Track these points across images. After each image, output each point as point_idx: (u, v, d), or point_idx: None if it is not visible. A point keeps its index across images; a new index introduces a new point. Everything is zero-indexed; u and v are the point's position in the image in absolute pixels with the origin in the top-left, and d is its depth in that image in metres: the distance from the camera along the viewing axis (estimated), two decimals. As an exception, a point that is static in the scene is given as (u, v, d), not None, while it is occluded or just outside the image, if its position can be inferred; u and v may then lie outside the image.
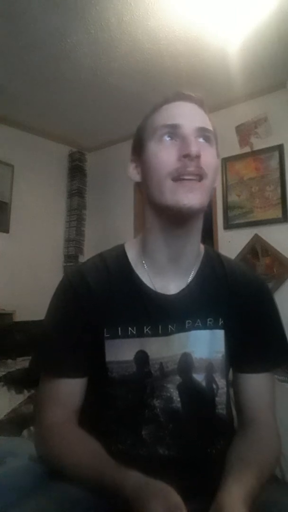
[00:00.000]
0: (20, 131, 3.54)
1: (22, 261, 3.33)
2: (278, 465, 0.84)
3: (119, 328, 0.74)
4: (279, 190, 2.84)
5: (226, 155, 3.10)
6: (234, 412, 0.84)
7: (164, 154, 0.71)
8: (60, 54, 2.56)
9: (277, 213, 2.83)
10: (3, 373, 2.12)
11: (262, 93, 2.95)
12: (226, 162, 3.11)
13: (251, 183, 2.98)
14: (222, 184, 3.13)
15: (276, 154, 2.88)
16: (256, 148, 2.98)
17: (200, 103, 0.76)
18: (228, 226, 3.07)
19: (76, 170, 3.95)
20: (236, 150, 3.06)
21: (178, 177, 0.69)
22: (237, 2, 2.10)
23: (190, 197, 0.68)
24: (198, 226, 0.77)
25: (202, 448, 0.73)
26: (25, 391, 1.81)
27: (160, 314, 0.75)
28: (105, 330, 0.74)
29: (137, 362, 0.74)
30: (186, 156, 0.68)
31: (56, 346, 0.75)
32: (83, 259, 3.68)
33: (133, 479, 0.58)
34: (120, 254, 0.82)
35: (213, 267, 0.82)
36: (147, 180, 0.75)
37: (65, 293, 0.78)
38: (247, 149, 3.02)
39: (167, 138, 0.71)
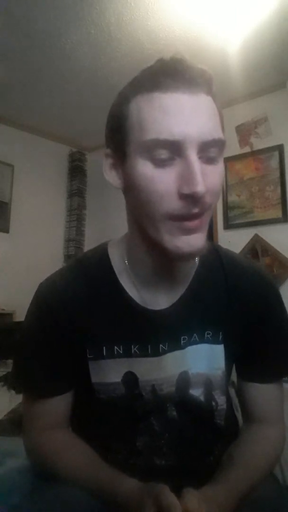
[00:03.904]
0: (20, 131, 3.54)
1: (22, 261, 3.33)
2: (277, 464, 0.84)
3: (104, 348, 0.67)
4: (279, 190, 2.84)
5: (226, 155, 3.05)
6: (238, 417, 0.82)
7: (159, 186, 0.54)
8: (60, 54, 2.56)
9: (277, 213, 2.83)
10: (3, 373, 2.12)
11: (262, 93, 2.95)
12: (226, 162, 3.10)
13: (251, 183, 2.98)
14: (222, 184, 3.12)
15: (276, 154, 2.88)
16: (256, 148, 2.98)
17: (209, 88, 0.56)
18: (228, 226, 3.07)
19: (76, 170, 3.95)
20: (236, 150, 3.05)
21: (179, 217, 0.55)
22: (237, 2, 2.10)
23: (192, 242, 0.56)
24: None
25: (200, 456, 0.71)
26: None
27: (149, 332, 0.66)
28: (87, 350, 0.67)
29: (125, 384, 0.67)
30: (189, 196, 0.53)
31: (33, 367, 0.69)
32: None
33: (128, 483, 0.57)
34: (102, 259, 0.70)
35: (211, 269, 0.71)
36: (134, 202, 0.60)
37: (39, 309, 0.69)
38: (247, 149, 3.02)
39: (160, 157, 0.54)
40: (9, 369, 2.18)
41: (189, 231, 0.56)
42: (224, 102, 3.05)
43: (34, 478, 0.68)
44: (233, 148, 3.05)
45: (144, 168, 0.55)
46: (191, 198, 0.53)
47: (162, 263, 0.65)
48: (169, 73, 0.55)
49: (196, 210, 0.55)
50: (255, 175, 2.97)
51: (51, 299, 0.68)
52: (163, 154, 0.54)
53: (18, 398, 1.76)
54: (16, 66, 2.70)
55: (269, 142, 2.92)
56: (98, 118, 3.64)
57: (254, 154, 2.98)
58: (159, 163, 0.54)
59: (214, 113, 0.58)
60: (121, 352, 0.67)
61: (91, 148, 3.96)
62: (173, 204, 0.55)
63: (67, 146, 3.95)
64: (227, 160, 3.09)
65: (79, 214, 3.91)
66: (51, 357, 0.68)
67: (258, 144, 2.97)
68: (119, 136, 0.59)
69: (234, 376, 0.80)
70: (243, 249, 2.94)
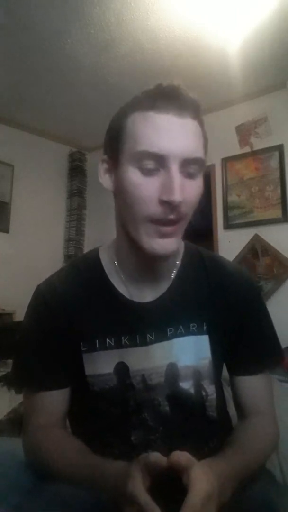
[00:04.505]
0: (20, 131, 3.54)
1: (22, 261, 3.32)
2: (272, 454, 0.86)
3: (97, 341, 0.73)
4: (279, 190, 2.84)
5: (226, 155, 3.10)
6: (231, 411, 0.85)
7: (143, 192, 0.63)
8: (60, 54, 2.56)
9: (277, 213, 2.83)
10: (3, 373, 2.13)
11: (262, 93, 2.95)
12: (226, 162, 3.11)
13: (251, 183, 2.98)
14: (222, 184, 3.13)
15: (276, 154, 2.88)
16: (256, 148, 2.98)
17: (196, 114, 0.65)
18: (228, 226, 3.07)
19: (76, 170, 3.95)
20: (236, 150, 3.05)
21: (157, 221, 0.64)
22: (237, 2, 2.10)
23: (165, 245, 0.65)
24: None
25: (194, 448, 0.72)
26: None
27: (137, 324, 0.73)
28: (81, 344, 0.73)
29: (117, 374, 0.73)
30: (167, 203, 0.61)
31: (32, 363, 0.75)
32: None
33: (116, 464, 0.60)
34: (94, 261, 0.79)
35: (193, 266, 0.79)
36: (120, 204, 0.69)
37: (38, 309, 0.76)
38: (247, 149, 3.02)
39: (147, 167, 0.62)
40: (9, 369, 2.18)
41: (164, 235, 0.64)
42: (224, 102, 3.06)
43: (33, 477, 0.68)
44: (233, 148, 3.06)
45: (133, 175, 0.64)
46: (168, 205, 0.62)
47: (144, 262, 0.72)
48: (164, 97, 0.63)
49: (172, 216, 0.63)
50: (255, 175, 2.97)
51: (49, 298, 0.75)
52: (150, 164, 0.62)
53: (18, 398, 1.76)
54: (16, 66, 2.70)
55: (269, 142, 2.92)
56: (98, 118, 3.66)
57: (254, 154, 2.98)
58: (146, 172, 0.63)
59: (198, 135, 0.66)
60: (112, 343, 0.73)
61: (91, 148, 3.96)
62: (153, 209, 0.63)
63: (67, 146, 3.95)
64: (227, 160, 3.10)
65: (79, 214, 3.91)
66: (49, 351, 0.74)
67: (258, 144, 2.97)
68: (115, 145, 0.67)
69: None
70: (243, 249, 2.94)
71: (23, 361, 0.77)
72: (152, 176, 0.63)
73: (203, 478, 0.53)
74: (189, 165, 0.63)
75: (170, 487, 0.54)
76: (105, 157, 0.71)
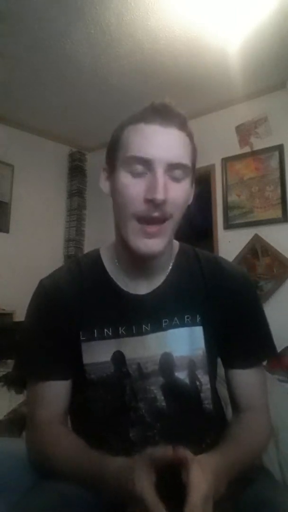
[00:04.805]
0: (20, 131, 3.54)
1: (22, 261, 3.32)
2: (265, 451, 0.89)
3: (95, 330, 0.78)
4: (279, 190, 2.84)
5: (226, 155, 3.10)
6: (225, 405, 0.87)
7: (131, 191, 0.70)
8: (60, 54, 2.56)
9: (277, 213, 2.83)
10: (3, 373, 2.13)
11: (262, 93, 2.95)
12: (226, 162, 3.11)
13: (251, 183, 2.98)
14: (222, 184, 3.13)
15: (276, 154, 2.88)
16: (256, 148, 2.98)
17: (181, 126, 0.72)
18: (228, 226, 3.07)
19: (76, 170, 3.95)
20: (236, 150, 3.05)
21: (142, 219, 0.70)
22: (237, 2, 2.10)
23: (150, 245, 0.71)
24: None
25: (192, 444, 0.73)
26: (25, 391, 1.81)
27: (134, 314, 0.78)
28: (80, 333, 0.78)
29: (114, 362, 0.77)
30: (151, 201, 0.68)
31: (36, 353, 0.78)
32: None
33: (116, 461, 0.61)
34: (95, 257, 0.85)
35: (188, 263, 0.84)
36: (114, 206, 0.76)
37: (40, 301, 0.81)
38: (247, 149, 3.02)
39: (136, 171, 0.70)
40: (9, 369, 2.18)
41: (149, 235, 0.70)
42: (224, 102, 3.06)
43: (34, 477, 0.69)
44: (233, 148, 3.06)
45: (124, 178, 0.71)
46: (152, 203, 0.68)
47: (137, 260, 0.77)
48: (153, 111, 0.71)
49: (156, 214, 0.69)
50: (255, 175, 2.97)
51: (51, 292, 0.80)
52: (139, 168, 0.70)
53: (18, 398, 1.76)
54: (16, 66, 2.70)
55: (269, 142, 2.92)
56: (98, 118, 3.66)
57: (254, 154, 2.98)
58: (136, 175, 0.70)
59: (184, 144, 0.72)
60: (110, 333, 0.78)
61: (91, 148, 3.96)
62: (139, 206, 0.69)
63: (67, 146, 3.95)
64: (227, 160, 3.10)
65: (79, 214, 3.91)
66: (51, 342, 0.77)
67: (258, 144, 2.97)
68: (112, 154, 0.75)
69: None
70: (243, 249, 2.94)
71: (27, 353, 0.81)
72: (140, 178, 0.70)
73: (201, 478, 0.55)
74: (173, 170, 0.70)
75: (168, 482, 0.56)
76: (105, 166, 0.79)
